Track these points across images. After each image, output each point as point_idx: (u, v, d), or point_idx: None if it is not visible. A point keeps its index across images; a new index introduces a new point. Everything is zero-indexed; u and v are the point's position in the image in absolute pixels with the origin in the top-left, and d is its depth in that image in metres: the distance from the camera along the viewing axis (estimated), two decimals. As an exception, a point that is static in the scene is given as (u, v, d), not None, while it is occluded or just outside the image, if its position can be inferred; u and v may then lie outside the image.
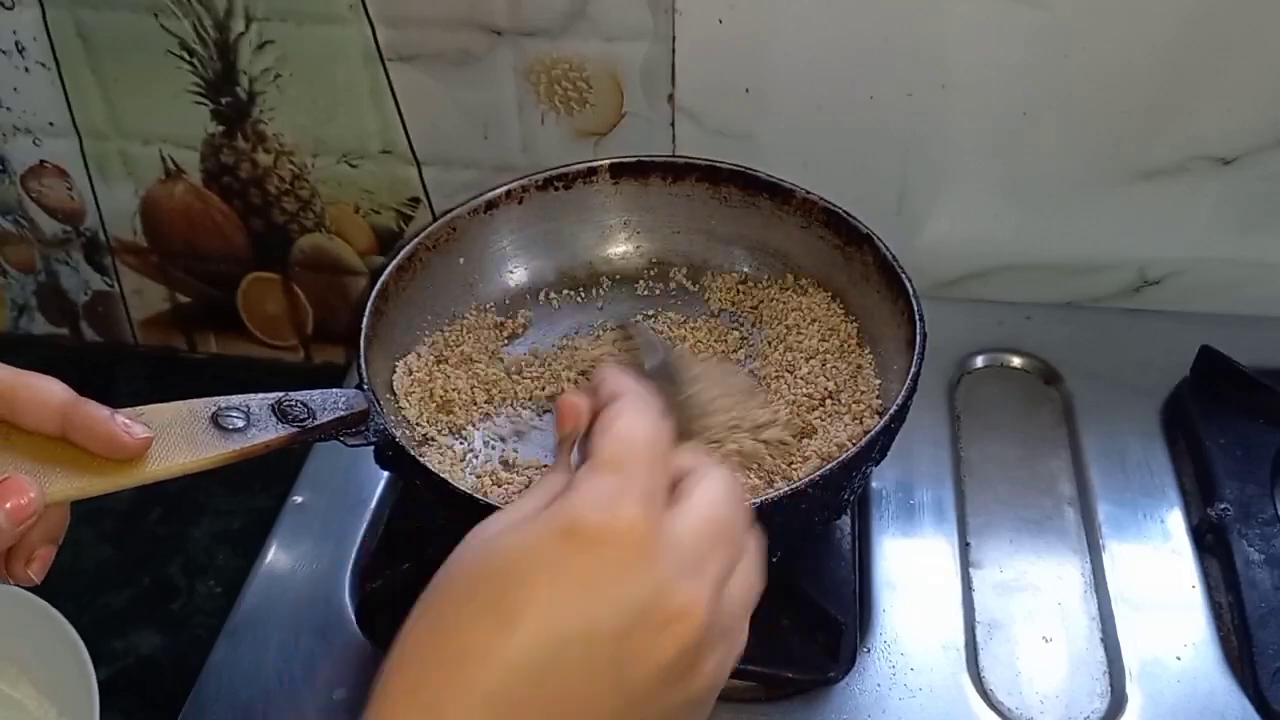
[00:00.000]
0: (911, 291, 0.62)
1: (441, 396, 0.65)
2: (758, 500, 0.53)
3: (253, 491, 0.83)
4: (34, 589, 0.59)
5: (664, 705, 0.34)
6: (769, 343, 0.68)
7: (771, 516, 0.53)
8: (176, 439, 0.47)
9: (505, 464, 0.62)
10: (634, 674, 0.33)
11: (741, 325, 0.71)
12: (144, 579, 0.81)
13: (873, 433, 0.56)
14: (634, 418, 0.37)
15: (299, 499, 0.70)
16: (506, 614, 0.32)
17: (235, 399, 0.50)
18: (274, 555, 0.67)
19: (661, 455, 0.37)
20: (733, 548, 0.37)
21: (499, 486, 0.61)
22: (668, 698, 0.34)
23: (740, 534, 0.38)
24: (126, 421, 0.45)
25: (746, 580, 0.38)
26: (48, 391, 0.44)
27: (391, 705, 0.32)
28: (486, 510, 0.54)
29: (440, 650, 0.33)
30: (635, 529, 0.33)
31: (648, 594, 0.33)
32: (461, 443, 0.63)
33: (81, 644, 0.59)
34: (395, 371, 0.65)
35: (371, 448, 0.56)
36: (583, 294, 0.73)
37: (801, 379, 0.65)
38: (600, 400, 0.38)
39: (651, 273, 0.74)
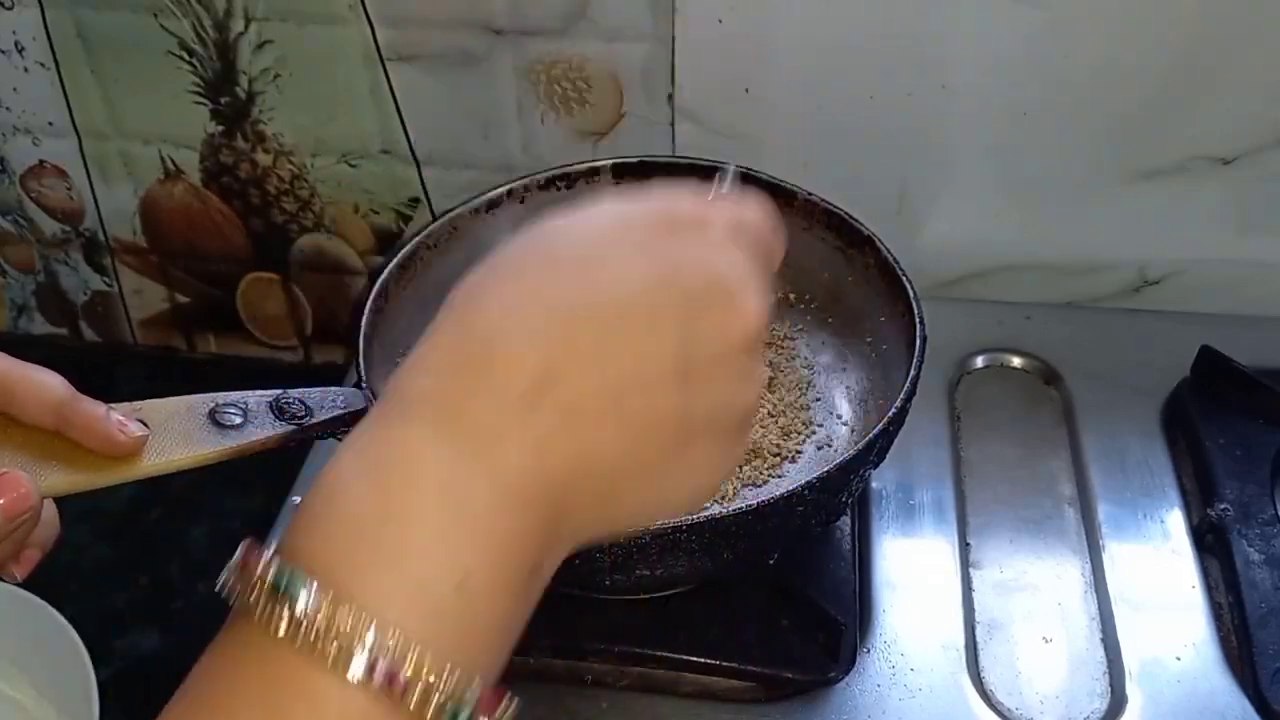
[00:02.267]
0: (912, 294, 0.62)
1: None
2: (757, 502, 0.53)
3: (253, 492, 0.83)
4: (34, 589, 0.60)
5: (717, 401, 0.33)
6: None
7: (769, 518, 0.53)
8: (174, 435, 0.47)
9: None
10: (699, 355, 0.32)
11: None
12: (144, 579, 0.81)
13: (871, 435, 0.56)
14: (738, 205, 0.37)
15: (299, 499, 0.70)
16: (586, 264, 0.33)
17: (233, 395, 0.50)
18: (274, 555, 0.67)
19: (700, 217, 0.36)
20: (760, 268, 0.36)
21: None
22: (718, 393, 0.33)
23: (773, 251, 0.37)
24: (122, 419, 0.45)
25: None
26: (46, 386, 0.44)
27: (432, 339, 0.34)
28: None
29: (492, 287, 0.35)
30: (716, 218, 0.34)
31: (723, 283, 0.33)
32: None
33: (81, 644, 0.59)
34: (395, 369, 0.65)
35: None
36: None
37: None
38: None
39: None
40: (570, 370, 0.31)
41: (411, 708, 0.28)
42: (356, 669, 0.27)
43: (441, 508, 0.29)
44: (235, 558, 0.31)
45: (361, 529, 0.29)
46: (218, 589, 0.32)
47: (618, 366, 0.31)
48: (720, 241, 0.34)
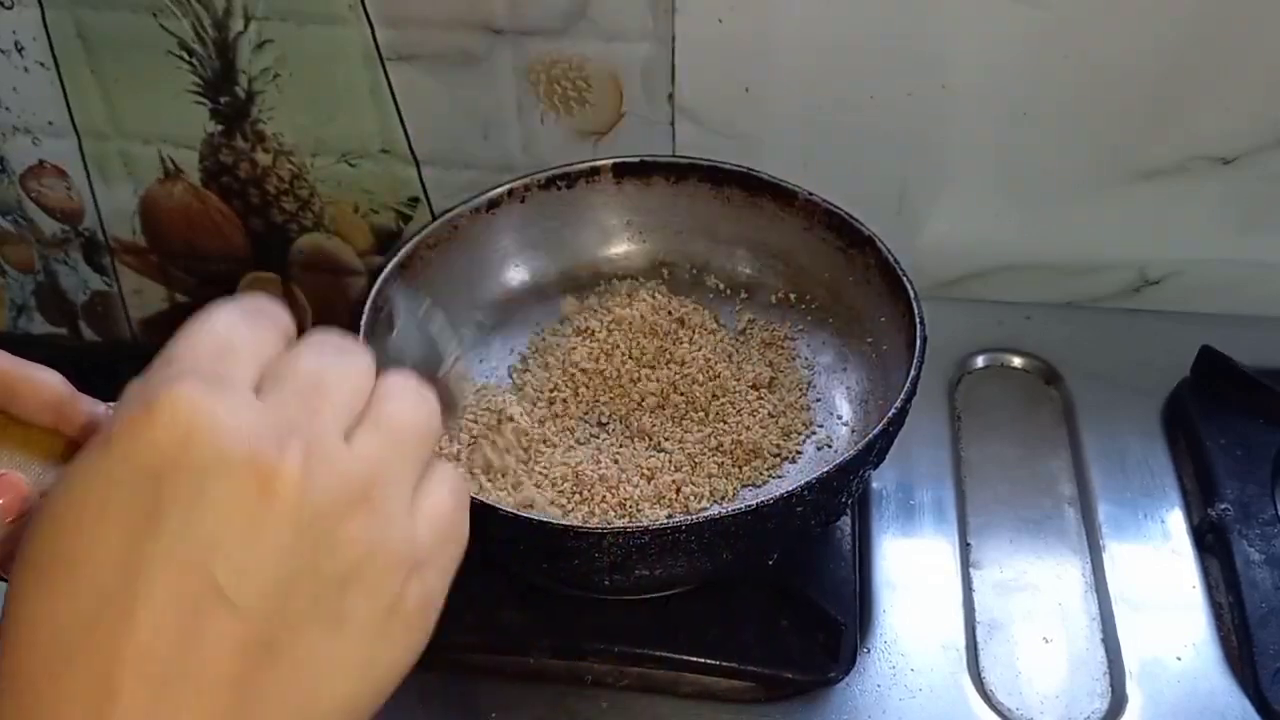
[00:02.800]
0: (912, 294, 0.62)
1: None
2: (755, 502, 0.53)
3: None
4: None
5: (332, 592, 0.28)
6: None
7: (769, 518, 0.53)
8: None
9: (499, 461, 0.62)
10: (243, 587, 0.27)
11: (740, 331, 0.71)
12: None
13: (871, 435, 0.56)
14: (228, 315, 0.32)
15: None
16: (55, 573, 0.27)
17: None
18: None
19: (240, 341, 0.31)
20: (340, 399, 0.31)
21: (495, 484, 0.61)
22: (329, 583, 0.28)
23: (351, 381, 0.32)
24: None
25: (385, 420, 0.32)
26: (45, 385, 0.44)
27: None
28: (482, 508, 0.54)
29: (11, 627, 0.28)
30: (185, 404, 0.27)
31: (209, 471, 0.27)
32: (459, 443, 0.63)
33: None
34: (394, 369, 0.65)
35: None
36: (584, 294, 0.73)
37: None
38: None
39: (653, 273, 0.74)
40: (124, 665, 0.26)
41: None
42: None
43: None
44: None
45: None
46: None
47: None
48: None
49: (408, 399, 0.33)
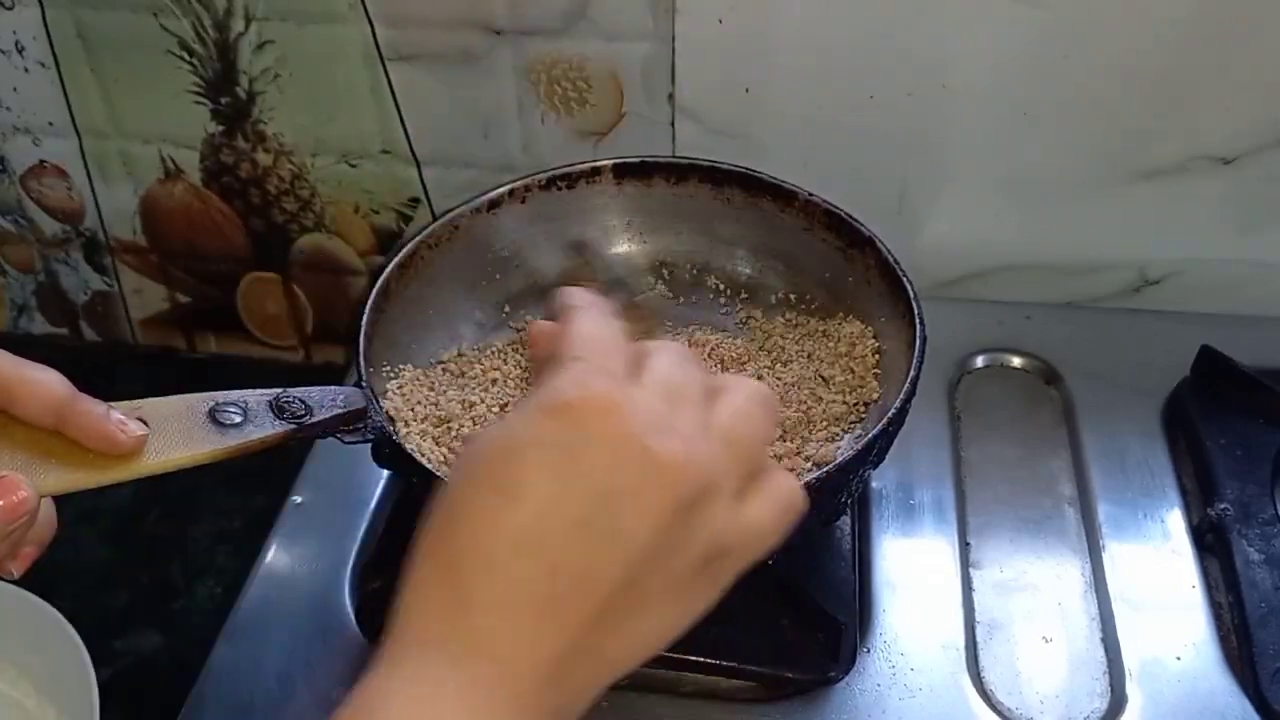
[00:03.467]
0: (912, 295, 0.62)
1: (440, 395, 0.65)
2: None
3: (253, 491, 0.83)
4: (35, 589, 0.60)
5: (678, 558, 0.37)
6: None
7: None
8: (173, 433, 0.47)
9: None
10: (632, 528, 0.35)
11: (741, 333, 0.71)
12: (144, 579, 0.80)
13: (870, 435, 0.56)
14: (589, 319, 0.41)
15: (299, 499, 0.70)
16: (508, 488, 0.36)
17: (233, 394, 0.50)
18: (274, 555, 0.67)
19: (616, 345, 0.40)
20: (695, 403, 0.39)
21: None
22: (679, 550, 0.36)
23: (696, 389, 0.39)
24: (121, 418, 0.45)
25: (735, 421, 0.39)
26: (46, 385, 0.44)
27: (419, 586, 0.37)
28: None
29: (459, 531, 0.36)
30: (605, 397, 0.36)
31: (620, 449, 0.35)
32: (460, 442, 0.63)
33: (81, 644, 0.59)
34: (395, 370, 0.65)
35: (369, 446, 0.56)
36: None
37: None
38: (564, 320, 0.42)
39: (654, 273, 0.74)
40: (551, 573, 0.35)
41: None
42: None
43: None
44: None
45: None
46: None
47: (578, 558, 0.35)
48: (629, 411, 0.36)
49: (748, 410, 0.40)
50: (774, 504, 0.39)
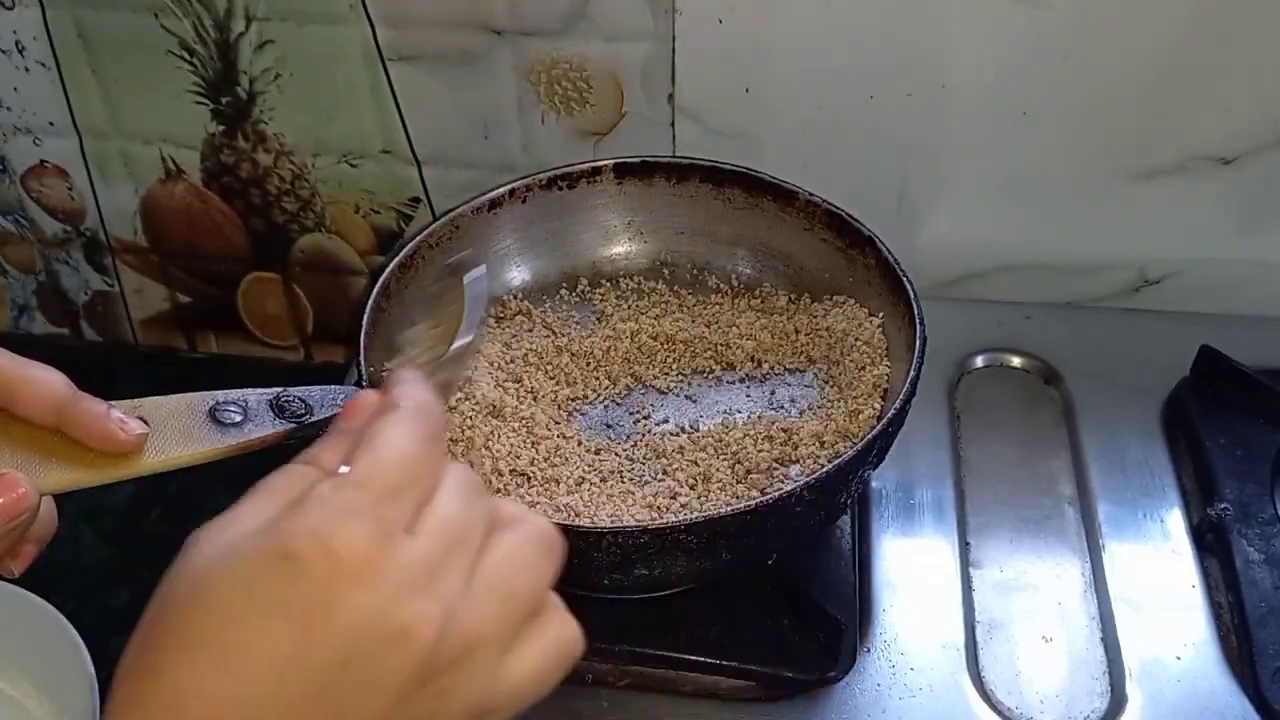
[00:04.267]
0: (913, 295, 0.62)
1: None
2: (754, 502, 0.53)
3: (253, 491, 0.83)
4: (35, 588, 0.60)
5: None
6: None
7: (768, 518, 0.53)
8: (173, 432, 0.47)
9: (502, 464, 0.63)
10: (362, 704, 0.32)
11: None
12: (144, 579, 0.80)
13: (870, 435, 0.56)
14: (399, 433, 0.35)
15: (299, 499, 0.70)
16: (220, 652, 0.31)
17: (233, 393, 0.50)
18: (274, 555, 0.67)
19: (415, 477, 0.35)
20: (471, 548, 0.35)
21: (496, 485, 0.61)
22: (431, 717, 0.33)
23: (479, 533, 0.35)
24: (122, 417, 0.45)
25: (509, 570, 0.35)
26: (46, 383, 0.44)
27: None
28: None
29: (157, 692, 0.31)
30: (354, 552, 0.32)
31: (365, 620, 0.31)
32: (459, 442, 0.63)
33: (82, 643, 0.59)
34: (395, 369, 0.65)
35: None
36: (585, 294, 0.73)
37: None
38: (386, 404, 0.37)
39: (654, 273, 0.74)
40: None
41: None
42: None
43: None
44: None
45: None
46: None
47: None
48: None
49: (522, 555, 0.36)
50: (545, 654, 0.35)
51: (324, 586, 0.31)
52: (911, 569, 0.65)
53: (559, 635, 0.36)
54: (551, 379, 0.68)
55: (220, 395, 0.50)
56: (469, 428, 0.63)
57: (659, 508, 0.60)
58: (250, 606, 0.31)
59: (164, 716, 0.31)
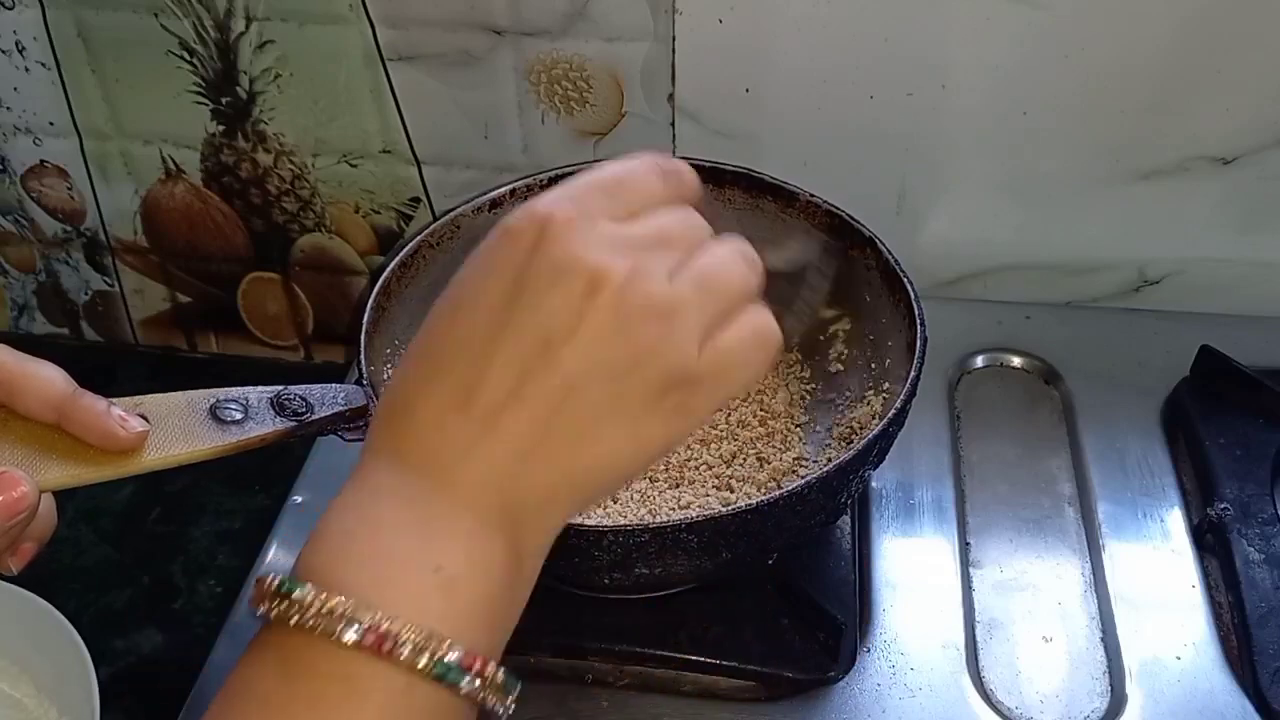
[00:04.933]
0: (913, 295, 0.62)
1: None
2: (755, 501, 0.53)
3: (253, 491, 0.83)
4: (35, 588, 0.60)
5: (628, 376, 0.36)
6: None
7: (768, 518, 0.53)
8: (174, 430, 0.48)
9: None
10: (564, 335, 0.36)
11: None
12: (144, 579, 0.81)
13: (870, 436, 0.56)
14: (647, 165, 0.41)
15: (299, 499, 0.70)
16: (452, 307, 0.38)
17: (234, 391, 0.50)
18: (274, 555, 0.67)
19: (626, 187, 0.39)
20: (676, 248, 0.38)
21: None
22: (625, 366, 0.36)
23: (686, 241, 0.39)
24: (122, 415, 0.45)
25: (711, 268, 0.39)
26: (47, 380, 0.44)
27: (384, 398, 0.39)
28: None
29: (414, 345, 0.39)
30: (548, 214, 0.36)
31: (558, 262, 0.36)
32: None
33: (82, 643, 0.59)
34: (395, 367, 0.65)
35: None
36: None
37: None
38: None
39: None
40: (481, 381, 0.36)
41: (403, 661, 0.33)
42: (350, 636, 0.33)
43: (403, 519, 0.36)
44: (254, 582, 0.37)
45: (344, 541, 0.36)
46: (247, 605, 0.38)
47: (510, 354, 0.36)
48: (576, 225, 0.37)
49: (730, 257, 0.40)
50: (743, 337, 0.39)
51: (525, 239, 0.36)
52: (911, 569, 0.65)
53: (758, 324, 0.39)
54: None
55: (221, 393, 0.50)
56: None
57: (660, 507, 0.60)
58: (474, 269, 0.38)
59: (413, 358, 0.38)
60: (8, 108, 0.88)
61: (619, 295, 0.36)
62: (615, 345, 0.36)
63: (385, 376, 0.64)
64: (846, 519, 0.66)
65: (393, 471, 0.37)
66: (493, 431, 0.36)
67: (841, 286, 0.68)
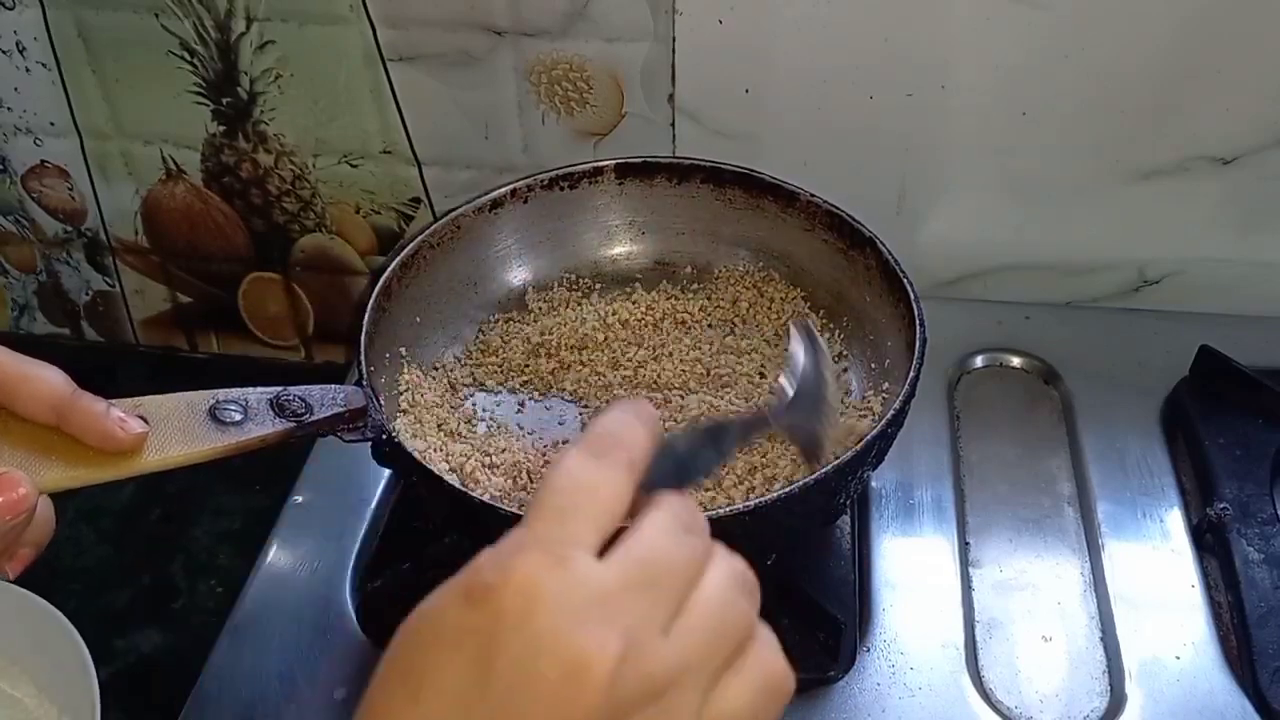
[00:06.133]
0: (913, 295, 0.62)
1: (441, 394, 0.65)
2: (753, 503, 0.53)
3: (253, 491, 0.83)
4: (35, 589, 0.60)
5: None
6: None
7: (766, 519, 0.53)
8: (173, 431, 0.48)
9: (503, 463, 0.63)
10: None
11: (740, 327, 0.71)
12: (144, 579, 0.81)
13: (869, 436, 0.56)
14: (576, 461, 0.34)
15: (299, 499, 0.70)
16: (413, 685, 0.31)
17: (233, 392, 0.50)
18: (274, 555, 0.67)
19: (600, 501, 0.33)
20: (669, 589, 0.33)
21: (495, 483, 0.61)
22: None
23: (681, 569, 0.33)
24: (122, 416, 0.45)
25: (712, 608, 0.33)
26: (46, 381, 0.44)
27: None
28: (482, 507, 0.54)
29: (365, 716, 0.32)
30: (526, 580, 0.31)
31: (538, 646, 0.30)
32: (460, 441, 0.63)
33: (82, 643, 0.59)
34: (396, 368, 0.65)
35: (369, 445, 0.57)
36: (585, 294, 0.73)
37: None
38: (570, 449, 0.36)
39: (655, 273, 0.74)
40: None
41: None
42: None
43: None
44: None
45: None
46: None
47: None
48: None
49: (732, 594, 0.34)
50: (754, 691, 0.34)
51: (501, 611, 0.31)
52: (911, 569, 0.65)
53: (768, 670, 0.34)
54: (555, 377, 0.68)
55: (220, 394, 0.50)
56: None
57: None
58: (436, 637, 0.32)
59: None
60: (8, 108, 0.88)
61: (610, 682, 0.30)
62: None
63: (383, 381, 0.64)
64: (846, 519, 0.66)
65: None
66: None
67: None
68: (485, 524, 0.53)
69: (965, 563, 0.65)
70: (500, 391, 0.68)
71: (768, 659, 0.34)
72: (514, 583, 0.31)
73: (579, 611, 0.30)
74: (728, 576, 0.35)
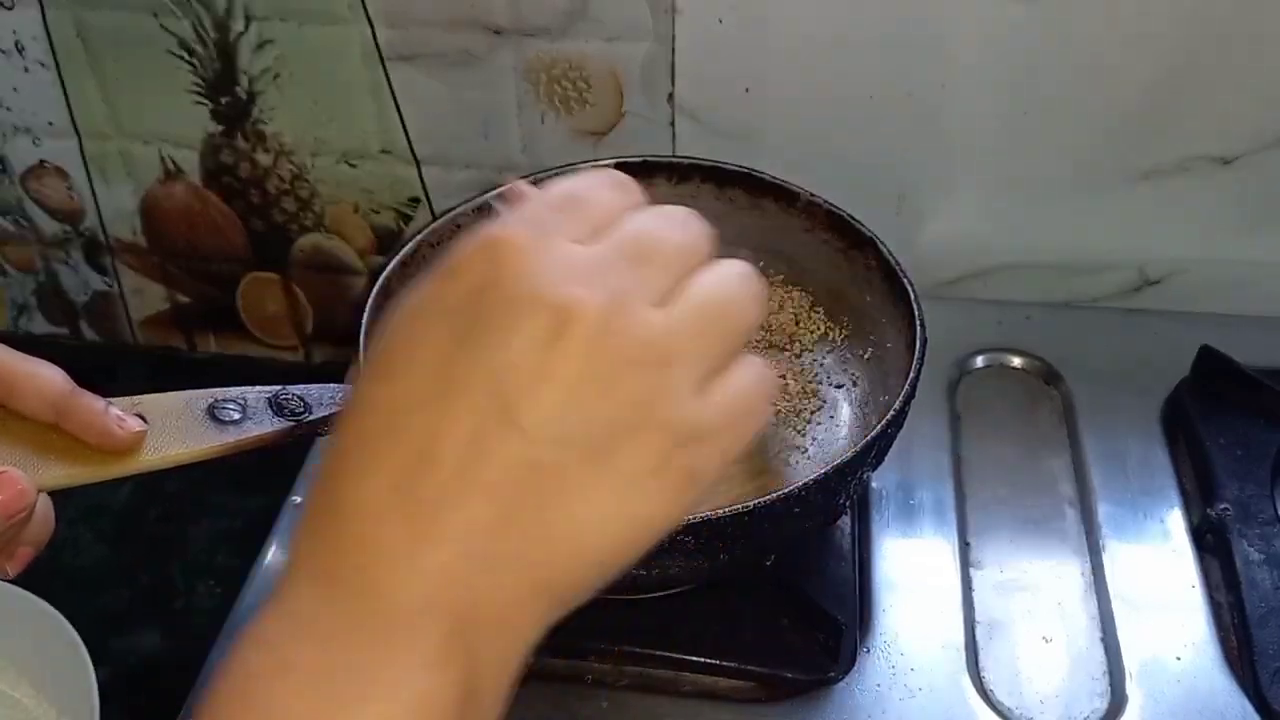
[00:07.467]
0: (913, 296, 0.62)
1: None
2: (752, 504, 0.53)
3: (253, 491, 0.83)
4: (34, 589, 0.60)
5: (610, 439, 0.29)
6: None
7: (765, 519, 0.53)
8: (172, 430, 0.48)
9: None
10: (533, 399, 0.28)
11: None
12: (144, 579, 0.80)
13: (869, 437, 0.56)
14: (579, 178, 0.33)
15: (299, 499, 0.70)
16: (384, 366, 0.30)
17: (232, 391, 0.50)
18: (274, 555, 0.67)
19: (584, 202, 0.32)
20: (663, 267, 0.31)
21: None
22: (604, 427, 0.29)
23: (679, 257, 0.32)
24: (120, 414, 0.45)
25: (710, 298, 0.31)
26: (45, 379, 0.44)
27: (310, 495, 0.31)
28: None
29: (350, 402, 0.31)
30: (511, 245, 0.29)
31: (523, 302, 0.28)
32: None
33: (81, 644, 0.59)
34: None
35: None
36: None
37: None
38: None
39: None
40: (421, 463, 0.29)
41: None
42: None
43: (319, 663, 0.28)
44: None
45: (248, 687, 0.29)
46: None
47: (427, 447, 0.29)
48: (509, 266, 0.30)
49: (734, 286, 0.33)
50: (750, 380, 0.32)
51: (473, 274, 0.29)
52: (911, 569, 0.65)
53: (756, 372, 0.32)
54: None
55: (219, 393, 0.50)
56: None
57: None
58: (414, 317, 0.30)
59: (346, 420, 0.31)
60: (7, 108, 0.88)
61: (593, 336, 0.28)
62: (592, 402, 0.29)
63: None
64: (846, 519, 0.66)
65: (314, 595, 0.29)
66: (434, 528, 0.28)
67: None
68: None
69: (966, 563, 0.65)
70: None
71: (754, 361, 0.33)
72: (494, 246, 0.29)
73: (564, 271, 0.29)
74: (732, 271, 0.33)
